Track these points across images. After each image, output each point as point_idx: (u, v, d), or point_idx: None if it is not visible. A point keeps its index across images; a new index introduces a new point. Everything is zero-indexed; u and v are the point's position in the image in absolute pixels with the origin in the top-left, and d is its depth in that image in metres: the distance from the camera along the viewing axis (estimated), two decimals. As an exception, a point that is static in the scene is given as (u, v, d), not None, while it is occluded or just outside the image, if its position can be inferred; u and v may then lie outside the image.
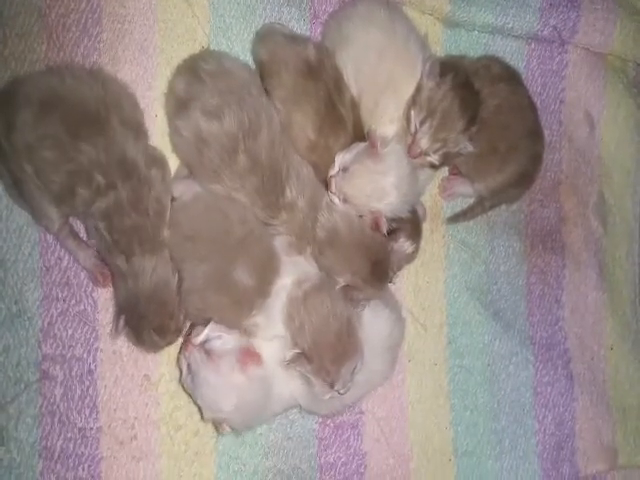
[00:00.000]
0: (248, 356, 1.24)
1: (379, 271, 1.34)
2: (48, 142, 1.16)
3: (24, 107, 1.16)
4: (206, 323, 1.24)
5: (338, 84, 1.37)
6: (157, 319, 1.23)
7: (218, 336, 1.23)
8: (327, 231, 1.32)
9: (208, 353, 1.21)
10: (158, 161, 1.28)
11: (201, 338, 1.22)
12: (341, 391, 1.27)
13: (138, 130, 1.27)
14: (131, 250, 1.21)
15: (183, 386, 1.30)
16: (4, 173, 1.23)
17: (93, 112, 1.19)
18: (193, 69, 1.29)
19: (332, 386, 1.26)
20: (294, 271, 1.31)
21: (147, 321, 1.23)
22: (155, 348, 1.29)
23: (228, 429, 1.24)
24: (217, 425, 1.25)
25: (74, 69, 1.27)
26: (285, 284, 1.30)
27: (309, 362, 1.24)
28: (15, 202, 1.28)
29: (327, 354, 1.24)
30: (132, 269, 1.22)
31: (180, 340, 1.31)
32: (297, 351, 1.25)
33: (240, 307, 1.26)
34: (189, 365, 1.23)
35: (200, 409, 1.26)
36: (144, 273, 1.22)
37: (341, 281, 1.31)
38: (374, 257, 1.32)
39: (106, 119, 1.20)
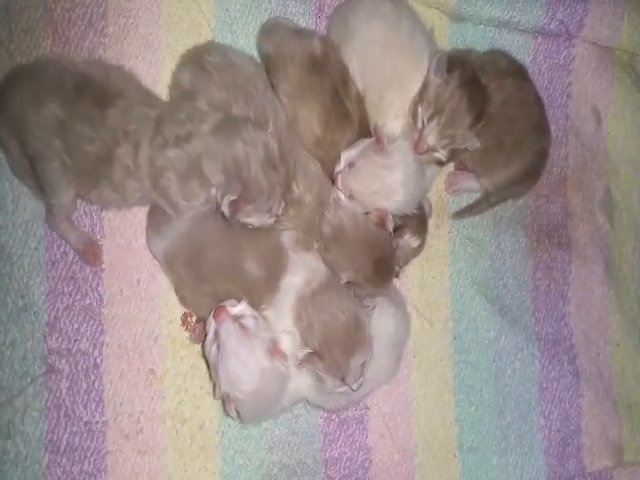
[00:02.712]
0: (277, 349, 1.23)
1: (382, 269, 1.34)
2: (84, 119, 1.19)
3: (58, 88, 1.19)
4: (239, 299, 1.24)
5: (344, 78, 1.37)
6: None
7: (254, 316, 1.23)
8: (333, 228, 1.32)
9: (243, 329, 1.20)
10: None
11: (237, 310, 1.21)
12: (353, 386, 1.27)
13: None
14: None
15: (203, 351, 1.28)
16: (15, 149, 1.24)
17: (115, 87, 1.22)
18: (198, 61, 1.29)
19: (343, 380, 1.26)
20: (303, 270, 1.31)
21: None
22: None
23: (234, 413, 1.23)
24: (227, 402, 1.23)
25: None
26: (294, 282, 1.30)
27: (321, 360, 1.25)
28: (20, 179, 1.29)
29: (336, 348, 1.25)
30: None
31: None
32: (308, 351, 1.25)
33: (249, 298, 1.26)
34: (218, 332, 1.20)
35: (215, 384, 1.25)
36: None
37: (344, 277, 1.31)
38: (378, 255, 1.33)
39: (122, 91, 1.23)
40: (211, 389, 1.37)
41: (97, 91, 1.21)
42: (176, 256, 1.27)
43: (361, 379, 1.28)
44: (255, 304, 1.27)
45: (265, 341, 1.21)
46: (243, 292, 1.25)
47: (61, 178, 1.22)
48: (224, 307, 1.20)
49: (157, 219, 1.30)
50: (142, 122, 1.21)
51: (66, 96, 1.19)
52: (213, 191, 1.20)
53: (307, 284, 1.30)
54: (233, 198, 1.19)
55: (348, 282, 1.32)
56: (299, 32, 1.40)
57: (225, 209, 1.19)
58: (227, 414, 1.26)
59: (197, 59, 1.31)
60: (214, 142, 1.19)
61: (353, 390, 1.28)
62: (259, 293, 1.28)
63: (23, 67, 1.28)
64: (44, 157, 1.21)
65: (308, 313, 1.27)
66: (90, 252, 1.33)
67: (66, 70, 1.22)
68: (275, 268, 1.29)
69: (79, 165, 1.22)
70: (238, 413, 1.24)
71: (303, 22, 1.50)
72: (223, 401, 1.25)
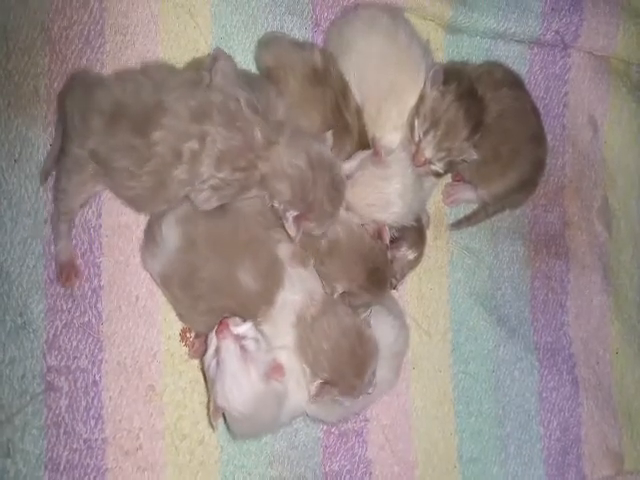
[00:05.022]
0: (275, 368, 1.23)
1: (376, 278, 1.34)
2: (121, 153, 1.16)
3: (97, 113, 1.17)
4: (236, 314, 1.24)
5: (344, 90, 1.38)
6: None
7: (255, 339, 1.22)
8: (328, 241, 1.32)
9: (243, 350, 1.20)
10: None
11: (240, 330, 1.21)
12: (369, 391, 1.28)
13: (191, 81, 1.24)
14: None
15: (203, 365, 1.28)
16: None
17: (149, 106, 1.17)
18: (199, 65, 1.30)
19: (359, 396, 1.27)
20: (300, 288, 1.31)
21: None
22: None
23: (217, 423, 1.23)
24: (215, 413, 1.22)
25: (127, 73, 1.28)
26: (292, 299, 1.29)
27: (334, 386, 1.25)
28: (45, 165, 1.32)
29: (347, 373, 1.25)
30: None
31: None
32: (319, 381, 1.25)
33: (245, 312, 1.26)
34: (218, 349, 1.20)
35: (210, 398, 1.24)
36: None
37: (339, 288, 1.31)
38: (371, 264, 1.33)
39: (160, 104, 1.17)
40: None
41: (134, 116, 1.16)
42: (171, 278, 1.27)
43: (375, 380, 1.29)
44: (251, 317, 1.26)
45: (264, 364, 1.21)
46: (239, 306, 1.25)
47: (79, 190, 1.25)
48: (227, 325, 1.20)
49: (150, 242, 1.30)
50: (196, 137, 1.16)
51: (104, 123, 1.17)
52: (275, 203, 1.23)
53: (306, 307, 1.29)
54: (296, 214, 1.21)
55: (343, 292, 1.32)
56: (299, 44, 1.41)
57: (289, 224, 1.22)
58: (209, 420, 1.25)
59: (197, 66, 1.31)
60: (283, 164, 1.20)
61: (369, 394, 1.29)
62: (255, 306, 1.27)
63: (82, 76, 1.28)
64: (71, 171, 1.22)
65: (312, 345, 1.26)
66: (66, 270, 1.32)
67: (106, 94, 1.19)
68: (271, 281, 1.29)
69: (121, 196, 1.24)
70: (225, 420, 1.24)
71: (300, 37, 1.50)
72: (208, 409, 1.25)
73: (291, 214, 1.21)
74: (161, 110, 1.15)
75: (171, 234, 1.26)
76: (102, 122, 1.16)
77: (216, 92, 1.19)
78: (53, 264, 1.32)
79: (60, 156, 1.25)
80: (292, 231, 1.22)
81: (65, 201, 1.27)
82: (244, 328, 1.21)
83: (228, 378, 1.18)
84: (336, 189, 1.25)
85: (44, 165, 1.31)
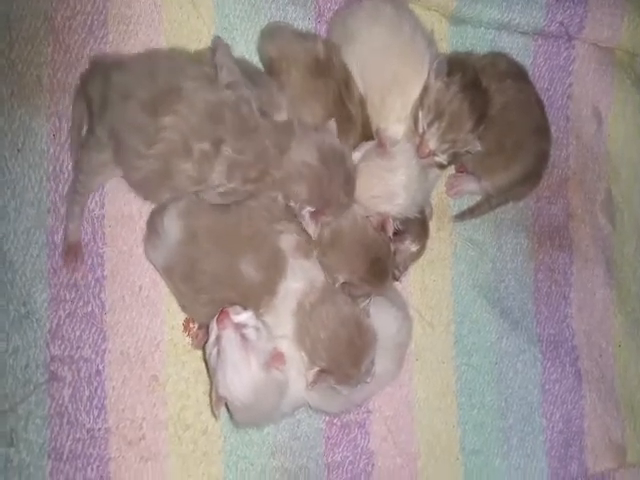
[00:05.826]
0: (276, 357, 1.23)
1: (377, 270, 1.34)
2: (131, 129, 1.16)
3: (113, 91, 1.18)
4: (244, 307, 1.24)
5: (347, 81, 1.38)
6: None
7: (256, 327, 1.22)
8: (331, 232, 1.32)
9: (243, 339, 1.20)
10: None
11: (241, 319, 1.21)
12: (367, 380, 1.28)
13: (209, 76, 1.23)
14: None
15: (204, 351, 1.29)
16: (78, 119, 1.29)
17: (164, 88, 1.16)
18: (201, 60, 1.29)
19: (357, 385, 1.28)
20: (302, 277, 1.31)
21: None
22: None
23: (218, 412, 1.23)
24: (216, 402, 1.23)
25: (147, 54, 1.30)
26: (294, 288, 1.29)
27: (330, 375, 1.26)
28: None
29: (345, 361, 1.26)
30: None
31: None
32: (316, 369, 1.25)
33: (247, 302, 1.26)
34: (219, 338, 1.21)
35: (212, 386, 1.25)
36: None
37: (340, 278, 1.32)
38: (373, 255, 1.33)
39: (178, 90, 1.16)
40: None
41: (147, 94, 1.15)
42: (173, 270, 1.27)
43: (373, 369, 1.29)
44: (253, 308, 1.27)
45: (264, 353, 1.21)
46: (241, 297, 1.25)
47: (98, 171, 1.26)
48: (227, 314, 1.20)
49: (152, 234, 1.30)
50: (208, 139, 1.15)
51: (119, 102, 1.17)
52: (291, 202, 1.23)
53: (306, 295, 1.29)
54: (313, 210, 1.22)
55: (344, 283, 1.32)
56: (302, 35, 1.41)
57: (306, 221, 1.24)
58: (211, 410, 1.26)
59: (198, 59, 1.30)
60: (297, 165, 1.21)
61: (367, 383, 1.29)
62: (257, 297, 1.28)
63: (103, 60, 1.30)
64: (93, 150, 1.23)
65: (310, 333, 1.26)
66: (73, 252, 1.32)
67: (124, 73, 1.19)
68: (273, 271, 1.29)
69: (130, 180, 1.24)
70: (227, 409, 1.24)
71: (303, 27, 1.50)
72: (210, 398, 1.25)
73: (307, 211, 1.22)
74: (177, 96, 1.15)
75: (173, 227, 1.26)
76: (118, 98, 1.17)
77: (226, 90, 1.19)
78: (56, 253, 1.33)
79: (86, 135, 1.26)
80: (311, 228, 1.24)
81: (83, 182, 1.28)
82: (244, 317, 1.21)
83: (229, 367, 1.18)
84: (350, 180, 1.26)
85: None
